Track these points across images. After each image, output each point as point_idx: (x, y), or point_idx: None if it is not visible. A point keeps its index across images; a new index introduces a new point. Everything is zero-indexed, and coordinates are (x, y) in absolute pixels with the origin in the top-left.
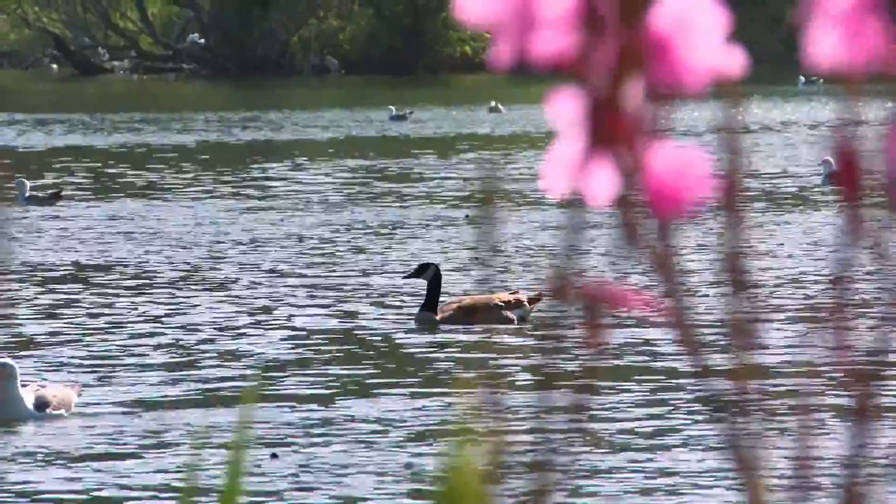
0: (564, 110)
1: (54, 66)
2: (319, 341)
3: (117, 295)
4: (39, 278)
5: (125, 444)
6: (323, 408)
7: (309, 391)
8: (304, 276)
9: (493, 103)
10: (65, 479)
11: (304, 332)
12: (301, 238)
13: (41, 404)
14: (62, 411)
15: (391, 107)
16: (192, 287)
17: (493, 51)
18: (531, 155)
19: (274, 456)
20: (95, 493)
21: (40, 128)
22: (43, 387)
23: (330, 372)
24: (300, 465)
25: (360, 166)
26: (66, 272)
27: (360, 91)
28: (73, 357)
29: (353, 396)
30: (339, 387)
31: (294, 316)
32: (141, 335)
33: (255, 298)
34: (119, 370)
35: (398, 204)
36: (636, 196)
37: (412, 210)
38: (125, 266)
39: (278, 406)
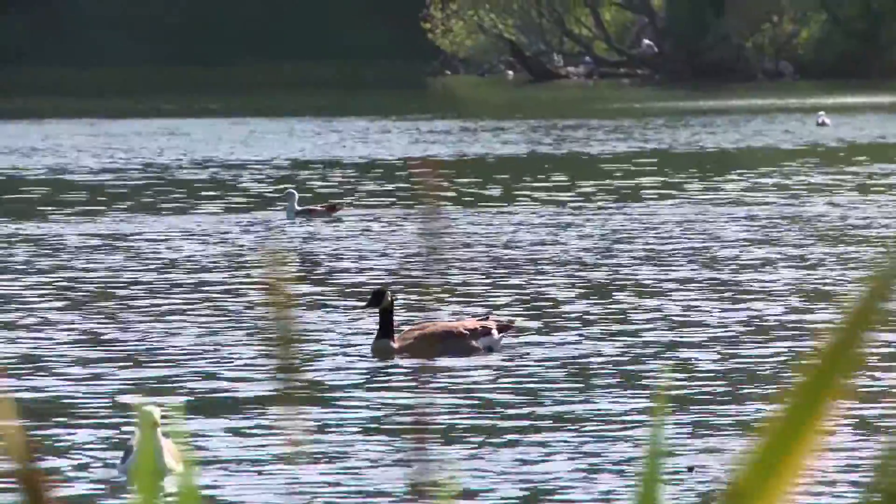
0: None
1: (510, 72)
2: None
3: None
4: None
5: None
6: (745, 412)
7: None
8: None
9: None
10: None
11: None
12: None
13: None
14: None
15: (821, 113)
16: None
17: None
18: None
19: (690, 469)
20: None
21: (494, 133)
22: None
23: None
24: (717, 479)
25: (791, 173)
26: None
27: (811, 95)
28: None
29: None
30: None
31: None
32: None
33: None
34: None
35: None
36: None
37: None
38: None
39: (699, 412)
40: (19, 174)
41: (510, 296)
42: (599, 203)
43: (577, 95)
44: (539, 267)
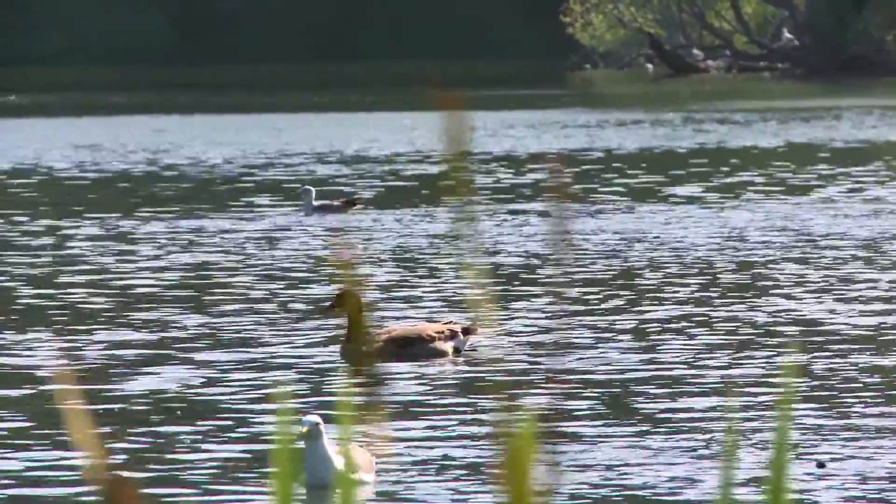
0: None
1: (649, 65)
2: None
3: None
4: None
5: None
6: (868, 412)
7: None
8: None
9: None
10: None
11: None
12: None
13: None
14: (370, 475)
15: None
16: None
17: None
18: None
19: (821, 465)
20: None
21: (633, 127)
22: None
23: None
24: (852, 475)
25: None
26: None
27: None
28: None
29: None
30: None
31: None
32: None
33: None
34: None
35: None
36: None
37: None
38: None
39: (825, 411)
40: (161, 170)
41: (637, 292)
42: (738, 198)
43: (717, 89)
44: (664, 263)
